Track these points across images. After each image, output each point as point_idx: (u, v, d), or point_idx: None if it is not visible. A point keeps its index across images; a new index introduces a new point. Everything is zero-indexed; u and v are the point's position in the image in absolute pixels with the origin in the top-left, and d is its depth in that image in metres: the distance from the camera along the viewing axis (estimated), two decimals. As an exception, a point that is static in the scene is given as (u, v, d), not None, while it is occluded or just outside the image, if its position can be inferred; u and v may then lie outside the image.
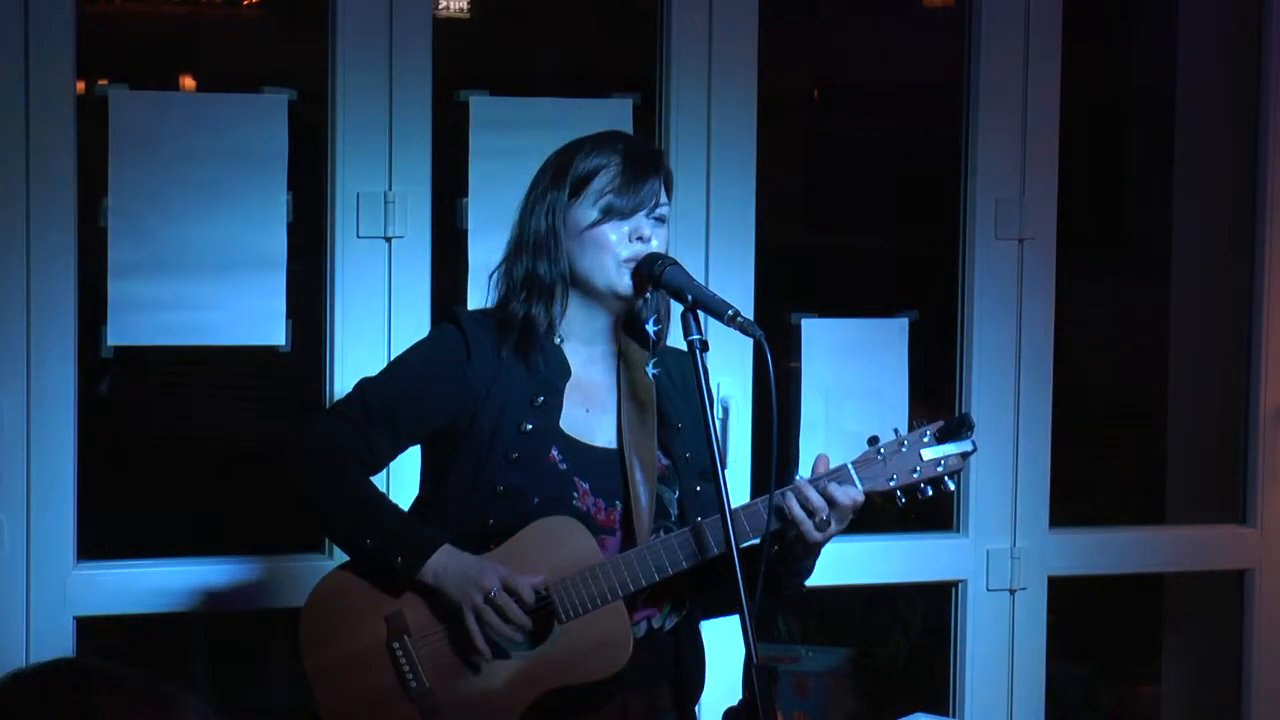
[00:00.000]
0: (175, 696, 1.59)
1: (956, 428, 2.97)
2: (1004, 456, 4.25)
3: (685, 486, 3.04)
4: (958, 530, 4.29)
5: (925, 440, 2.96)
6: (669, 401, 3.07)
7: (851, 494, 2.92)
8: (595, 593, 2.89)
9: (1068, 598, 4.60)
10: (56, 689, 1.57)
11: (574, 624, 2.90)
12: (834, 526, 2.92)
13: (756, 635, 2.73)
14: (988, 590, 4.27)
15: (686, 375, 3.07)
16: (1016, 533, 4.28)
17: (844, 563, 4.15)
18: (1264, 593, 4.46)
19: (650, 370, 3.04)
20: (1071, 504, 4.73)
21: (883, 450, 2.95)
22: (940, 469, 2.95)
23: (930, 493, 2.97)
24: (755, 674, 2.70)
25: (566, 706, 2.93)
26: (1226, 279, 4.55)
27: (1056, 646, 4.38)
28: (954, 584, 4.29)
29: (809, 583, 3.11)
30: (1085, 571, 4.41)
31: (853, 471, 2.94)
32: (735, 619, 2.79)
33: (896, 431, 2.97)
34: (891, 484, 2.94)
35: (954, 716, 4.28)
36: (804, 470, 3.00)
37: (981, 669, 4.28)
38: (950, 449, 2.96)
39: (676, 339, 3.02)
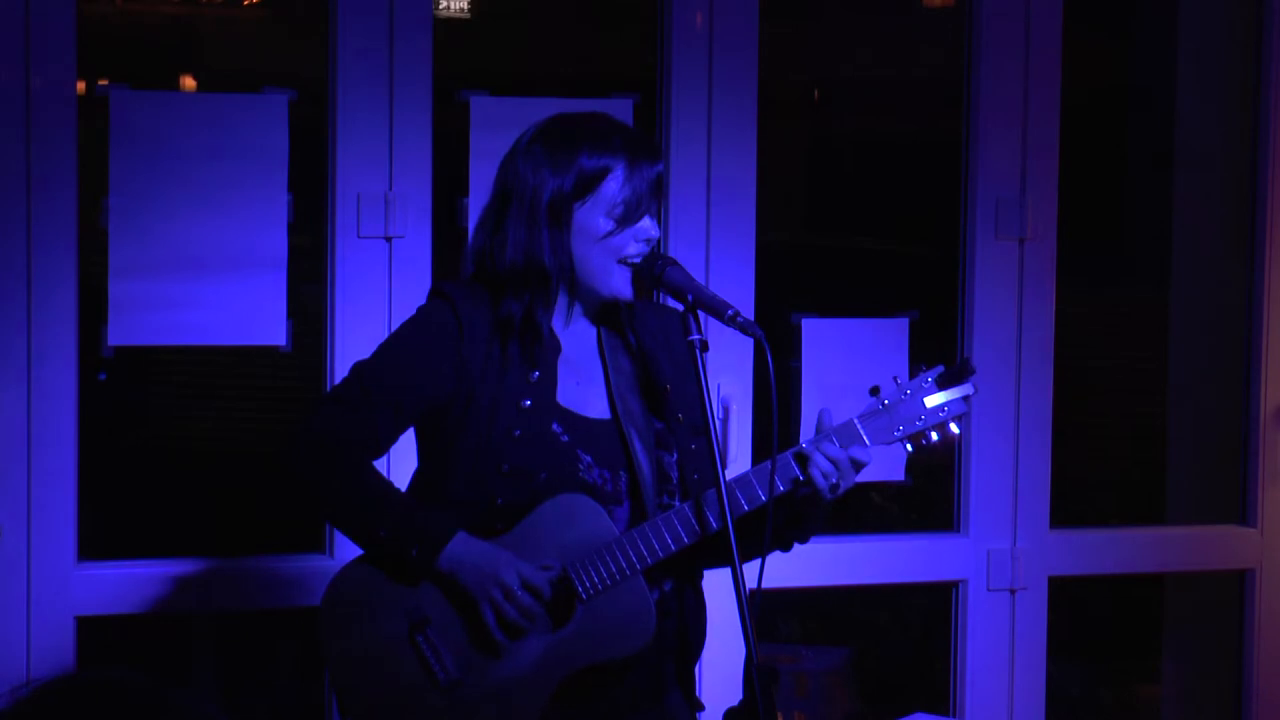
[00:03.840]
0: (183, 702, 1.58)
1: (958, 372, 2.97)
2: (1004, 456, 4.25)
3: (681, 447, 3.04)
4: (958, 530, 4.29)
5: (927, 386, 2.96)
6: (653, 363, 3.06)
7: (859, 453, 2.92)
8: (614, 569, 2.90)
9: (1068, 598, 4.60)
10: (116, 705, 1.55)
11: (595, 602, 2.91)
12: (843, 486, 2.93)
13: (756, 634, 2.74)
14: (988, 590, 4.27)
15: (668, 332, 3.06)
16: (1017, 533, 4.28)
17: (844, 563, 4.16)
18: (1264, 593, 4.46)
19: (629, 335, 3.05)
20: (1072, 504, 4.73)
21: (887, 401, 2.95)
22: (944, 414, 2.96)
23: (936, 439, 2.97)
24: (755, 674, 2.71)
25: (584, 690, 2.94)
26: (1226, 279, 4.55)
27: (1056, 646, 4.38)
28: (954, 584, 4.29)
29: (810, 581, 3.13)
30: (1085, 571, 4.41)
31: (860, 428, 2.95)
32: (733, 614, 2.79)
33: (896, 379, 2.97)
34: (898, 434, 2.95)
35: (954, 716, 4.28)
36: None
37: (981, 669, 4.28)
38: (953, 393, 2.96)
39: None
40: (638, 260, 2.96)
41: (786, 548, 3.08)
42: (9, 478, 3.71)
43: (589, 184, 2.95)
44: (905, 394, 2.96)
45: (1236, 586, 4.50)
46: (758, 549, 2.84)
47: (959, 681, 4.30)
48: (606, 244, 2.95)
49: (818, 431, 2.96)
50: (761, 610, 2.80)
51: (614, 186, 2.95)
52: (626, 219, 2.95)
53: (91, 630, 3.82)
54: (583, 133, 2.99)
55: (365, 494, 2.94)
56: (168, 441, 5.57)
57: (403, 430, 3.03)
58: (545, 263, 2.95)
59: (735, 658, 2.85)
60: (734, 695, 2.75)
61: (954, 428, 2.97)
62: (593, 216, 2.95)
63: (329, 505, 2.98)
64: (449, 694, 2.92)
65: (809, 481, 2.91)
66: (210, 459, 5.51)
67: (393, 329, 3.83)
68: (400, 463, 3.21)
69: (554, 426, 2.96)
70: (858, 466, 2.94)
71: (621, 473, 2.99)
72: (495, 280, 2.98)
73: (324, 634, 2.97)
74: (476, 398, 2.94)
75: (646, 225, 2.97)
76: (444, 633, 2.93)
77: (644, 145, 3.01)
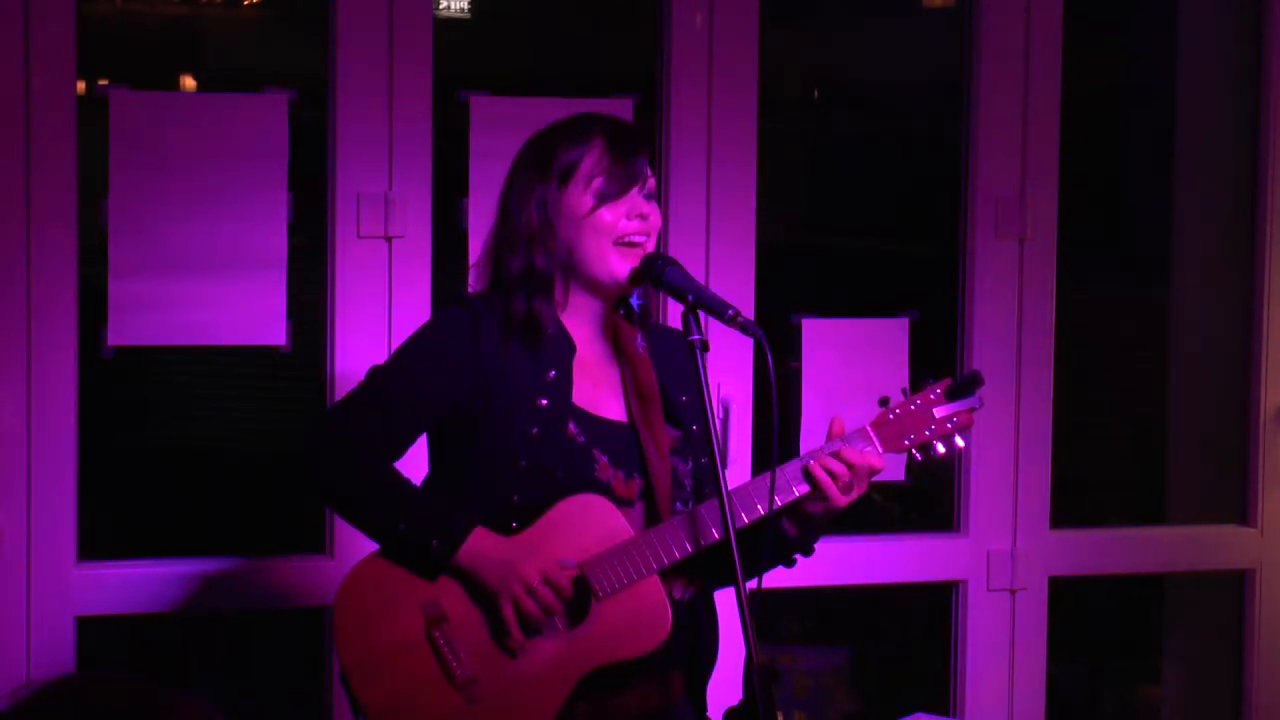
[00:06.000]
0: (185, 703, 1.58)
1: (966, 384, 3.00)
2: (1004, 456, 4.25)
3: (695, 458, 3.06)
4: (958, 530, 4.29)
5: (935, 398, 2.99)
6: (669, 372, 3.07)
7: (871, 458, 2.94)
8: (631, 569, 2.91)
9: (1068, 598, 4.60)
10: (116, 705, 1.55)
11: (611, 601, 2.91)
12: (855, 491, 2.96)
13: (756, 634, 2.74)
14: (988, 590, 4.27)
15: (682, 352, 3.07)
16: (1017, 533, 4.28)
17: (844, 563, 4.16)
18: (1264, 593, 4.46)
19: (639, 343, 3.05)
20: (1072, 504, 4.73)
21: (896, 411, 2.98)
22: (952, 426, 2.99)
23: (943, 450, 2.99)
24: (755, 674, 2.71)
25: (595, 692, 2.94)
26: (1226, 279, 4.56)
27: (1056, 646, 4.38)
28: (954, 584, 4.29)
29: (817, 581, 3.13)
30: (1085, 571, 4.41)
31: (872, 434, 2.97)
32: (736, 616, 2.79)
33: (905, 391, 3.00)
34: (907, 443, 2.98)
35: (954, 716, 4.28)
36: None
37: (981, 669, 4.28)
38: (960, 406, 2.99)
39: (672, 318, 3.01)
40: (634, 239, 2.96)
41: (790, 563, 3.09)
42: (9, 478, 3.71)
43: (569, 170, 2.98)
44: (914, 404, 2.98)
45: (1236, 586, 4.50)
46: (766, 553, 2.85)
47: (959, 681, 4.30)
48: (593, 222, 2.96)
49: (829, 438, 2.98)
50: (761, 610, 2.80)
51: (590, 162, 2.97)
52: (608, 194, 2.96)
53: (91, 630, 3.82)
54: (560, 133, 3.03)
55: (385, 492, 2.95)
56: (168, 441, 5.57)
57: (421, 432, 3.04)
58: (538, 263, 2.97)
59: (735, 658, 2.85)
60: (734, 695, 2.75)
61: (959, 440, 3.00)
62: (575, 196, 2.97)
63: (349, 505, 2.98)
64: (465, 691, 2.92)
65: (817, 481, 2.93)
66: (210, 459, 5.51)
67: (392, 329, 3.85)
68: (405, 468, 3.21)
69: (570, 426, 2.97)
70: (871, 472, 2.96)
71: (636, 474, 3.00)
72: (503, 287, 3.01)
73: (339, 632, 2.97)
74: (494, 397, 2.95)
75: (636, 200, 2.97)
76: (461, 629, 2.93)
77: (623, 129, 3.04)
